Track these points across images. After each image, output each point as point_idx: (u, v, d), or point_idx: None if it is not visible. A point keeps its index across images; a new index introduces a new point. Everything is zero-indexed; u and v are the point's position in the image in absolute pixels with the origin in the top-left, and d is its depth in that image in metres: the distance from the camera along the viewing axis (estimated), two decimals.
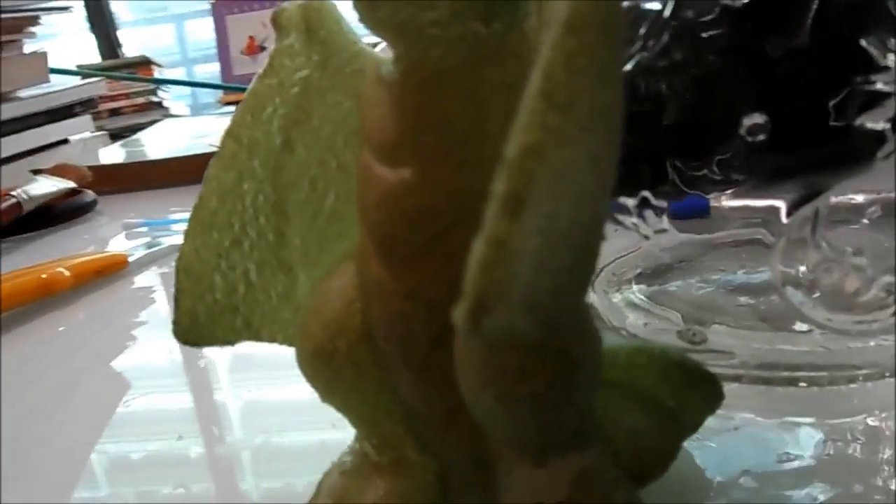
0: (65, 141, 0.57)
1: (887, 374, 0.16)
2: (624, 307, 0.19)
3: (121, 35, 1.30)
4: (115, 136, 0.86)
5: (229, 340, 0.14)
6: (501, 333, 0.08)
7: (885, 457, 0.15)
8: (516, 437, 0.11)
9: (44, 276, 0.27)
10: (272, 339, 0.14)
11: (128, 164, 0.47)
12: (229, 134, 0.14)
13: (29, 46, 0.56)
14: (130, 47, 1.31)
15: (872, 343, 0.16)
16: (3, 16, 0.50)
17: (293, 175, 0.14)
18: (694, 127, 0.18)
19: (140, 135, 0.68)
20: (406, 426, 0.13)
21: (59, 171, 0.42)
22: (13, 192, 0.37)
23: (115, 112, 1.00)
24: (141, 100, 1.04)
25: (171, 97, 1.09)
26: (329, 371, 0.13)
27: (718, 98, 0.17)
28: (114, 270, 0.30)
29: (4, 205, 0.36)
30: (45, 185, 0.39)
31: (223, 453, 0.19)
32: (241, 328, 0.14)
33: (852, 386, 0.16)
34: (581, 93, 0.08)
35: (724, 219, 0.20)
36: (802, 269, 0.16)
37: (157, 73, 1.12)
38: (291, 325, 0.14)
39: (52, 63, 0.60)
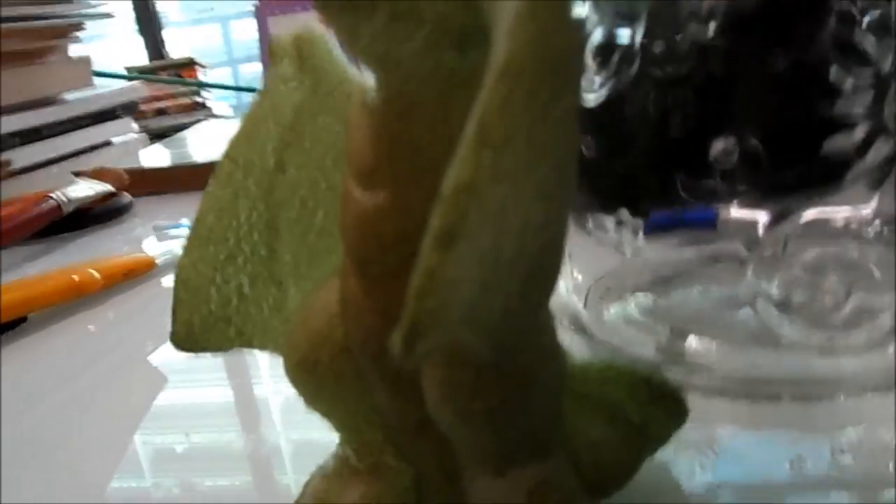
0: (107, 143, 0.59)
1: (869, 389, 0.16)
2: (615, 319, 0.20)
3: (169, 35, 1.33)
4: (161, 135, 0.89)
5: (223, 348, 0.15)
6: (440, 356, 0.09)
7: (867, 471, 0.15)
8: (475, 449, 0.12)
9: (75, 277, 0.29)
10: (263, 348, 0.15)
11: (164, 168, 0.49)
12: (226, 155, 0.15)
13: (74, 50, 0.58)
14: (178, 47, 1.35)
15: (856, 359, 0.17)
16: (48, 22, 0.53)
17: (285, 194, 0.15)
18: (695, 137, 0.18)
19: (182, 135, 0.70)
20: (384, 434, 0.14)
21: (97, 174, 0.43)
22: (53, 195, 0.38)
23: (160, 112, 1.03)
24: (185, 100, 1.07)
25: (214, 98, 1.12)
26: (312, 380, 0.14)
27: (713, 110, 0.17)
28: (142, 272, 0.31)
29: (45, 207, 0.38)
30: (84, 189, 0.41)
31: (262, 447, 0.20)
32: (234, 337, 0.15)
33: (835, 401, 0.17)
34: (518, 131, 0.09)
35: (730, 230, 0.21)
36: (775, 285, 0.16)
37: (201, 74, 1.15)
38: (282, 335, 0.15)
39: (100, 64, 0.62)
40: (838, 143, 0.14)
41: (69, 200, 0.39)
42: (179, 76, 1.14)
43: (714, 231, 0.21)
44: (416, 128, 0.12)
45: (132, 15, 1.29)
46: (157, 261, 0.32)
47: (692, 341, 0.18)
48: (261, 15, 1.14)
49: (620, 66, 0.15)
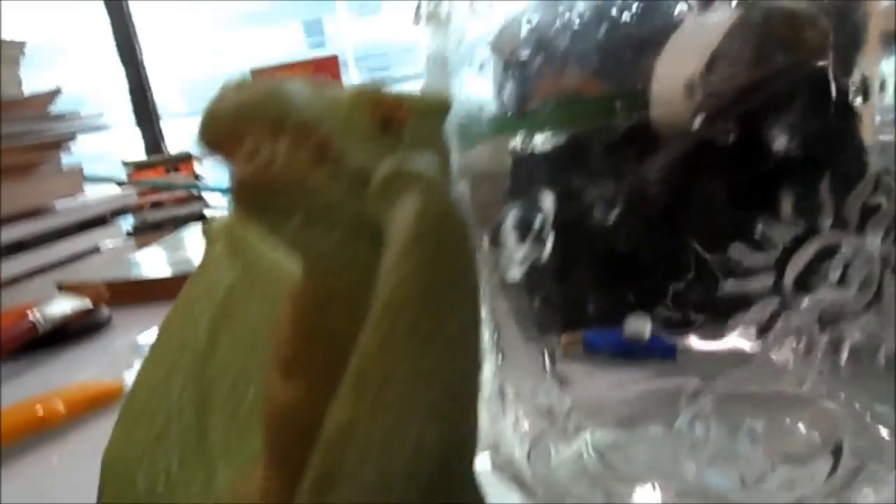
0: (96, 250, 0.60)
1: None
2: (562, 468, 0.19)
3: (169, 124, 1.37)
4: (156, 226, 0.91)
5: None
6: None
7: None
8: None
9: (39, 411, 0.29)
10: None
11: (144, 280, 0.50)
12: (162, 333, 0.15)
13: (66, 160, 0.60)
14: (178, 137, 1.38)
15: None
16: (42, 137, 0.54)
17: (217, 371, 0.15)
18: (644, 257, 0.19)
19: (174, 237, 0.72)
20: None
21: (77, 289, 0.44)
22: (29, 314, 0.39)
23: (155, 205, 1.05)
24: (181, 193, 1.09)
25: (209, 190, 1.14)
26: None
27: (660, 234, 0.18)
28: (109, 400, 0.31)
29: (20, 328, 0.38)
30: (62, 306, 0.41)
31: None
32: None
33: None
34: (400, 366, 0.09)
35: (691, 363, 0.21)
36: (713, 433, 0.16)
37: (198, 167, 1.18)
38: None
39: (97, 157, 0.64)
40: (742, 319, 0.14)
41: (45, 319, 0.39)
42: (177, 169, 1.16)
43: (674, 364, 0.22)
44: (332, 318, 0.12)
45: (130, 107, 1.32)
46: (126, 387, 0.33)
47: (640, 496, 0.18)
48: None
49: (538, 239, 0.16)
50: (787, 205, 0.16)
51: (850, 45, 0.18)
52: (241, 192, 0.12)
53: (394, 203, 0.11)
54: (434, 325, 0.10)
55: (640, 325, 0.16)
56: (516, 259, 0.17)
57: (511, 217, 0.17)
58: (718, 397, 0.19)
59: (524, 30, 0.20)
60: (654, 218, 0.18)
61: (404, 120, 0.14)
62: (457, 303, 0.10)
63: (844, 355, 0.15)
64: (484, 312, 0.18)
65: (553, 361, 0.21)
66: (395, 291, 0.10)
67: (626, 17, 0.20)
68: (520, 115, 0.21)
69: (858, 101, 0.18)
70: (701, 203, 0.19)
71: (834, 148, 0.18)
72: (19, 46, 0.55)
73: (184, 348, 0.15)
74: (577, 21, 0.20)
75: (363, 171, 0.12)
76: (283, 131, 0.12)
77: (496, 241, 0.17)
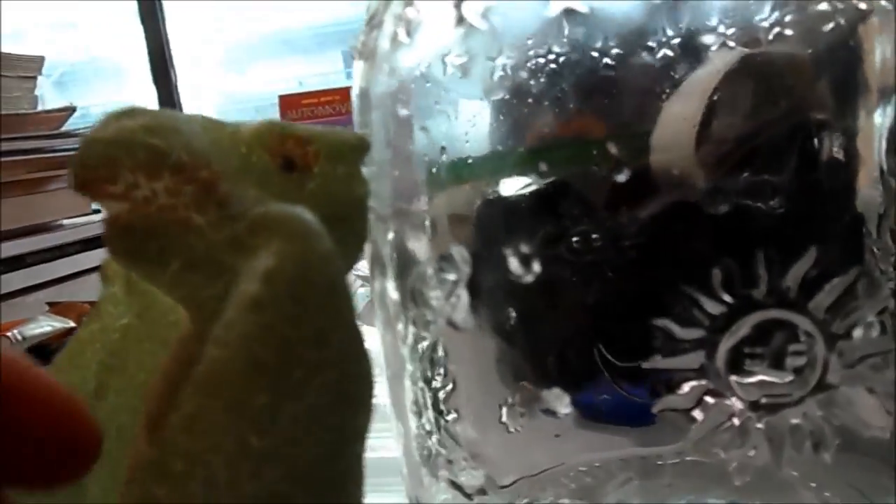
0: (97, 268, 0.60)
1: None
2: None
3: None
4: None
5: None
6: None
7: None
8: None
9: None
10: None
11: None
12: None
13: None
14: None
15: None
16: (55, 154, 0.55)
17: (101, 422, 0.14)
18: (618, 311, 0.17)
19: None
20: None
21: (61, 309, 0.43)
22: (8, 334, 0.38)
23: None
24: None
25: None
26: None
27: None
28: None
29: None
30: (42, 326, 0.41)
31: None
32: None
33: None
34: (212, 455, 0.08)
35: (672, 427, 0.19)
36: None
37: None
38: None
39: None
40: (671, 401, 0.13)
41: (24, 339, 0.39)
42: None
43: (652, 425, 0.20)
44: None
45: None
46: None
47: None
48: None
49: (453, 292, 0.15)
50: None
51: (849, 95, 0.17)
52: (113, 233, 0.11)
53: (252, 256, 0.10)
54: (270, 404, 0.09)
55: (558, 398, 0.14)
56: (442, 310, 0.16)
57: (433, 268, 0.16)
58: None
59: (497, 71, 0.19)
60: (634, 267, 0.17)
61: (310, 160, 0.13)
62: (307, 378, 0.09)
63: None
64: (412, 370, 0.17)
65: (512, 421, 0.19)
66: (217, 364, 0.08)
67: (605, 60, 0.19)
68: (493, 159, 0.20)
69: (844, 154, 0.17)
70: (682, 255, 0.17)
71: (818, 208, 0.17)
72: (36, 62, 0.56)
73: None
74: (553, 63, 0.19)
75: (248, 215, 0.11)
76: (164, 168, 0.11)
77: (414, 296, 0.16)
